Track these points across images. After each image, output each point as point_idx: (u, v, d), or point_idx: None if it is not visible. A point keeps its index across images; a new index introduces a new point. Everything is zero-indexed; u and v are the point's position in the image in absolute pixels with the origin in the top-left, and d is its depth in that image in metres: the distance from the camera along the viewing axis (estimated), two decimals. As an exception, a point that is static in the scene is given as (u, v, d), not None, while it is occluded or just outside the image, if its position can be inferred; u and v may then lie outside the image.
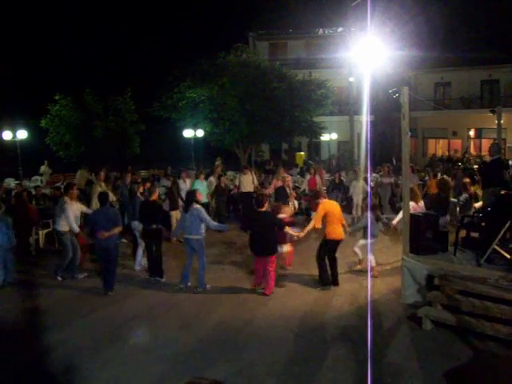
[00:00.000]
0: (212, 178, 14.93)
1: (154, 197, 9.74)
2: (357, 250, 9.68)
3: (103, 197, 9.16)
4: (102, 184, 12.40)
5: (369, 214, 9.31)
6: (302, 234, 9.35)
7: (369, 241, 9.22)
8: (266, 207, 8.83)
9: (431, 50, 26.74)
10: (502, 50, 27.10)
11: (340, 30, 31.05)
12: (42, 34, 36.95)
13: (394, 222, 9.94)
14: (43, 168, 22.27)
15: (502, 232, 7.25)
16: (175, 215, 12.65)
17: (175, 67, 23.89)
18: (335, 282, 9.02)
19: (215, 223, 9.61)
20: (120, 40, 38.41)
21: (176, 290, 8.96)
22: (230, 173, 21.78)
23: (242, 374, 5.80)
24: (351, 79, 27.63)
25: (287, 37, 33.88)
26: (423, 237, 8.16)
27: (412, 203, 9.57)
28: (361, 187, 14.13)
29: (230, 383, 5.57)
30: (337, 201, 10.87)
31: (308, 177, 15.95)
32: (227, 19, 36.31)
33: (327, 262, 9.01)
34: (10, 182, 19.04)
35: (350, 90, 28.10)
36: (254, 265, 9.03)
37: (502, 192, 8.07)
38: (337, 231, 8.95)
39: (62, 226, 9.64)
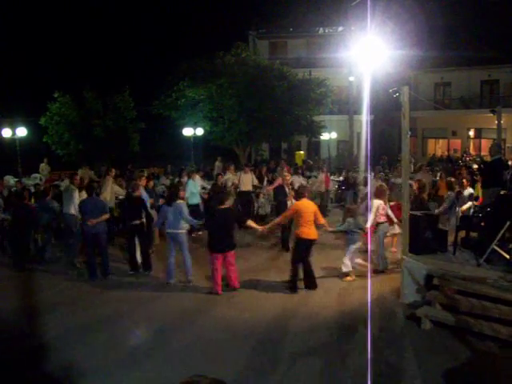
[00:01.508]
0: (230, 175, 15.16)
1: (137, 193, 10.14)
2: (347, 261, 9.24)
3: (91, 188, 10.04)
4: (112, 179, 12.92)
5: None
6: (265, 228, 9.36)
7: (352, 247, 9.21)
8: (227, 204, 8.73)
9: (431, 50, 26.78)
10: (502, 50, 27.12)
11: (340, 29, 31.06)
12: (41, 32, 36.91)
13: (368, 225, 9.76)
14: (42, 166, 22.22)
15: (501, 232, 7.26)
16: None
17: (175, 65, 23.89)
18: (310, 286, 8.74)
19: (192, 220, 9.75)
20: (119, 38, 38.38)
21: (167, 286, 9.03)
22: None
23: (241, 374, 5.79)
24: (351, 78, 27.63)
25: (287, 36, 33.87)
26: (422, 237, 8.17)
27: (380, 201, 9.53)
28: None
29: (229, 383, 5.56)
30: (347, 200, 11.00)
31: (322, 176, 16.57)
32: (227, 18, 36.28)
33: (301, 265, 8.81)
34: (10, 180, 18.99)
35: (349, 89, 28.11)
36: (213, 264, 8.61)
37: (502, 192, 8.07)
38: (309, 231, 8.69)
39: (70, 210, 10.83)
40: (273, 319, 7.45)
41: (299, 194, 9.12)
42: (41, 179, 20.45)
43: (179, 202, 9.34)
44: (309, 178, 17.74)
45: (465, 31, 28.06)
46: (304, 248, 8.78)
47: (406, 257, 8.01)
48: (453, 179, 12.00)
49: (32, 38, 37.40)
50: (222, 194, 9.17)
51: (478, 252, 7.60)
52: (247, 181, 14.98)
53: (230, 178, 14.97)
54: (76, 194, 10.97)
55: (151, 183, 12.22)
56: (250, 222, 9.10)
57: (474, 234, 8.64)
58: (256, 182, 15.52)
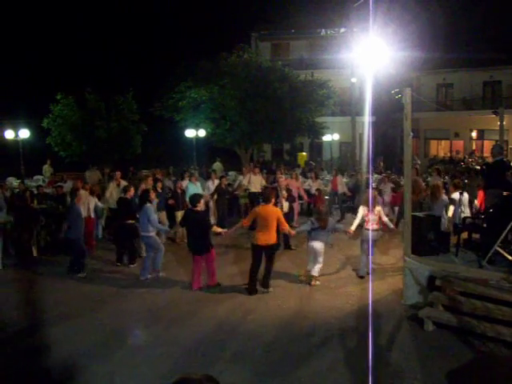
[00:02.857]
0: (261, 176, 15.69)
1: (129, 194, 10.68)
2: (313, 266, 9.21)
3: (72, 193, 10.65)
4: (116, 182, 13.07)
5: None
6: (229, 232, 9.74)
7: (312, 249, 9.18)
8: (200, 207, 8.97)
9: (433, 51, 26.73)
10: (504, 52, 27.09)
11: (342, 30, 31.04)
12: (43, 34, 37.00)
13: (352, 227, 9.61)
14: (45, 167, 22.30)
15: (504, 233, 7.25)
16: (180, 215, 12.70)
17: (177, 67, 23.93)
18: (263, 284, 8.81)
19: (159, 225, 10.04)
20: (122, 39, 38.45)
21: (168, 286, 9.04)
22: (231, 173, 21.80)
23: (242, 375, 5.80)
24: (353, 80, 27.66)
25: (290, 37, 33.89)
26: (425, 238, 8.16)
27: (364, 208, 9.47)
28: (389, 188, 14.95)
29: None
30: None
31: (330, 178, 17.24)
32: (230, 19, 36.31)
33: (257, 268, 8.80)
34: (12, 182, 19.06)
35: (352, 90, 28.15)
36: (193, 263, 9.01)
37: (504, 193, 8.06)
38: (261, 237, 8.64)
39: None
40: (274, 320, 7.45)
41: (265, 199, 9.03)
42: (43, 181, 20.54)
43: (147, 205, 9.70)
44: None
45: (467, 32, 28.02)
46: (256, 253, 8.78)
47: (408, 258, 8.01)
48: (438, 183, 11.82)
49: (34, 39, 37.51)
50: (196, 195, 9.29)
51: (480, 253, 7.59)
52: (256, 182, 15.13)
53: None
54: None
55: (160, 185, 12.30)
56: (215, 228, 9.48)
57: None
58: (264, 183, 15.63)
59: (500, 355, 6.18)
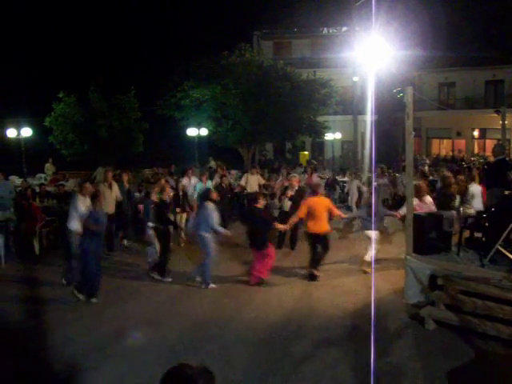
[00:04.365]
0: (258, 176, 15.67)
1: (165, 195, 9.91)
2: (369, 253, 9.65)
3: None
4: (108, 184, 12.23)
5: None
6: (287, 227, 10.17)
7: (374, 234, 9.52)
8: (260, 204, 9.39)
9: (436, 50, 26.71)
10: (507, 50, 27.03)
11: (344, 29, 31.03)
12: (46, 33, 37.05)
13: (401, 212, 9.79)
14: (47, 166, 22.36)
15: (505, 232, 7.24)
16: (183, 217, 12.52)
17: (179, 66, 23.94)
18: (312, 267, 9.41)
19: (217, 227, 9.31)
20: (124, 38, 38.50)
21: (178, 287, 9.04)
22: (233, 171, 21.79)
23: (245, 373, 5.81)
24: (355, 79, 27.59)
25: (292, 36, 33.86)
26: (427, 237, 8.16)
27: (416, 199, 9.50)
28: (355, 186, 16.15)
29: (232, 382, 5.59)
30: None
31: (305, 176, 16.96)
32: (232, 18, 36.37)
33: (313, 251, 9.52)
34: (15, 180, 19.11)
35: (354, 89, 28.08)
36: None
37: (506, 193, 8.06)
38: (314, 226, 9.40)
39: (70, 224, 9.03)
40: (276, 319, 7.45)
41: (313, 191, 9.98)
42: (45, 179, 20.59)
43: (209, 204, 9.18)
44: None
45: (469, 31, 27.96)
46: (310, 240, 9.53)
47: (409, 257, 8.00)
48: (462, 177, 12.02)
49: (36, 38, 37.55)
50: (256, 194, 10.12)
51: (482, 252, 7.59)
52: (254, 182, 15.05)
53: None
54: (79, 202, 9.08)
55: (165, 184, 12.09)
56: (277, 224, 9.99)
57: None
58: (263, 182, 15.59)
59: (501, 354, 6.18)
